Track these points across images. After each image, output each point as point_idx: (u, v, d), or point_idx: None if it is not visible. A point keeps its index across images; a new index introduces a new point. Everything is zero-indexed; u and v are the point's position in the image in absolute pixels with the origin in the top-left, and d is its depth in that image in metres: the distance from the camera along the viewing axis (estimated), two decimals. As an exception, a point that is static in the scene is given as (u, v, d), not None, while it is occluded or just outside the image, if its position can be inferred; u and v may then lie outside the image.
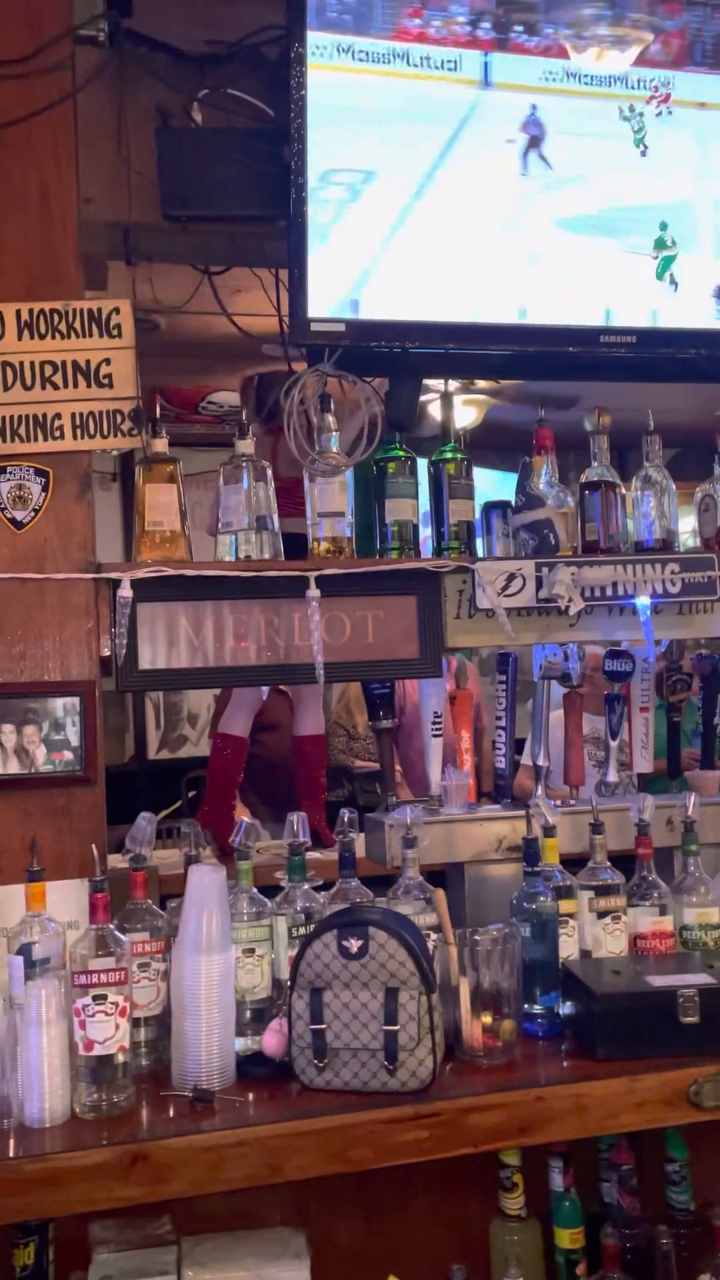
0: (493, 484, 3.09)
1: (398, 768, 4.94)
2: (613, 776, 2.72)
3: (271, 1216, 2.05)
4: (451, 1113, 1.80)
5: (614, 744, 2.71)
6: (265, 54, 2.30)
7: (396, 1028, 1.81)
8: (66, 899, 2.07)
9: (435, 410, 5.14)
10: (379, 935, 1.85)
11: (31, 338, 2.16)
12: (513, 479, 2.57)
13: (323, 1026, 1.83)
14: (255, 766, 3.79)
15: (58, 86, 2.17)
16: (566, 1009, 2.07)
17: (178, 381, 5.83)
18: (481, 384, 5.64)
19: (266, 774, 3.91)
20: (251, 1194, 1.92)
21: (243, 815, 3.67)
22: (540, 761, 2.66)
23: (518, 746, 2.68)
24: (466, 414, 5.78)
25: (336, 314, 2.30)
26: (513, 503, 2.53)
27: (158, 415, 2.25)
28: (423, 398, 2.61)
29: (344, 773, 5.66)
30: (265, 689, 3.47)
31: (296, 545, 2.37)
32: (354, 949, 1.85)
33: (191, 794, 6.41)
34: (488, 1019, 1.95)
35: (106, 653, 2.21)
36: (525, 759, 3.32)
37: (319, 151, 2.22)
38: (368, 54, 2.26)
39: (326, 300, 2.29)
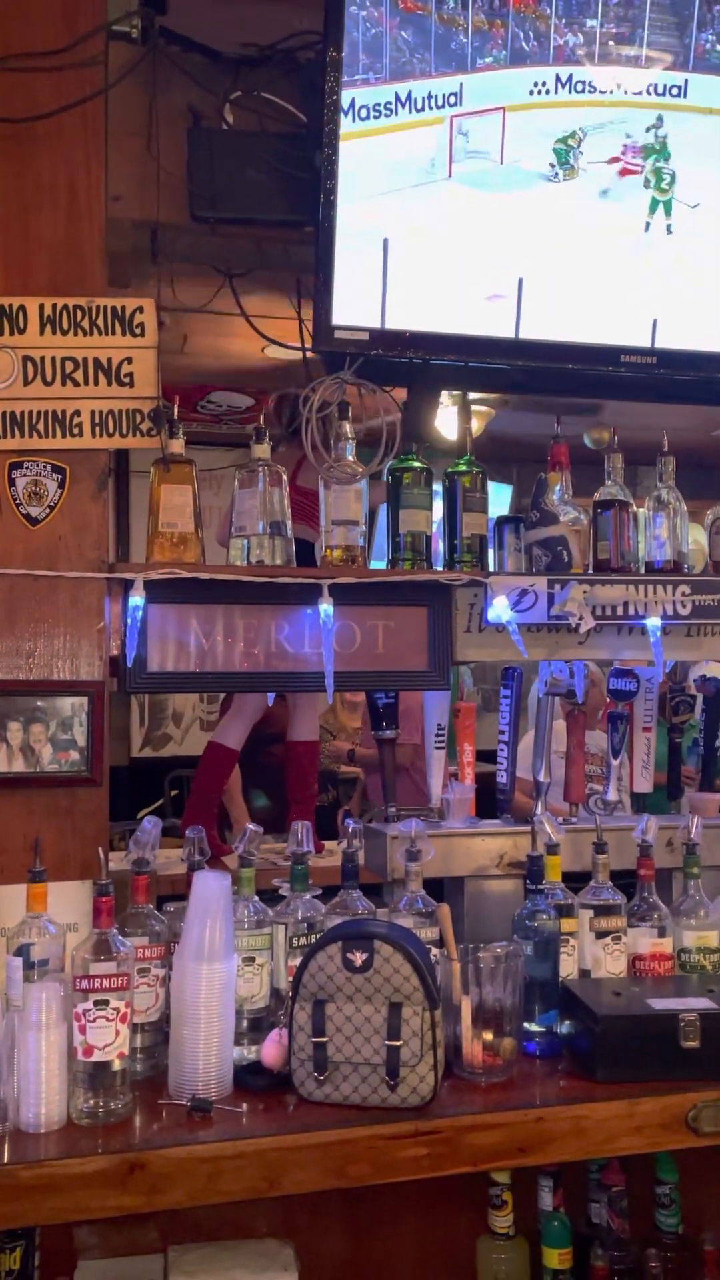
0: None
1: (359, 770, 4.95)
2: (612, 795, 2.73)
3: (258, 1227, 2.04)
4: (451, 1131, 1.79)
5: (615, 762, 2.72)
6: (299, 58, 2.29)
7: (399, 1043, 1.80)
8: (67, 900, 2.05)
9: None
10: (384, 949, 1.84)
11: (54, 333, 2.14)
12: (506, 491, 2.58)
13: (324, 1039, 1.82)
14: (261, 776, 3.76)
15: (90, 81, 2.15)
16: (565, 1028, 2.07)
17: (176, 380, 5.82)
18: (481, 395, 5.66)
19: (272, 783, 3.88)
20: (239, 1204, 1.90)
21: (245, 822, 3.66)
22: (541, 777, 2.65)
23: (490, 758, 2.67)
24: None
25: (359, 322, 2.30)
26: (523, 516, 2.53)
27: (176, 416, 2.22)
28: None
29: (329, 777, 5.66)
30: (271, 699, 3.43)
31: (309, 554, 2.37)
32: (358, 962, 1.84)
33: (174, 793, 6.39)
34: (488, 1036, 1.94)
35: (115, 653, 2.19)
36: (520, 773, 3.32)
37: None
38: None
39: (350, 308, 2.28)
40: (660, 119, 2.47)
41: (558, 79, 2.38)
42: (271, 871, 2.91)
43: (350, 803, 5.00)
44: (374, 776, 4.47)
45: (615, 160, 2.45)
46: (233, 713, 3.50)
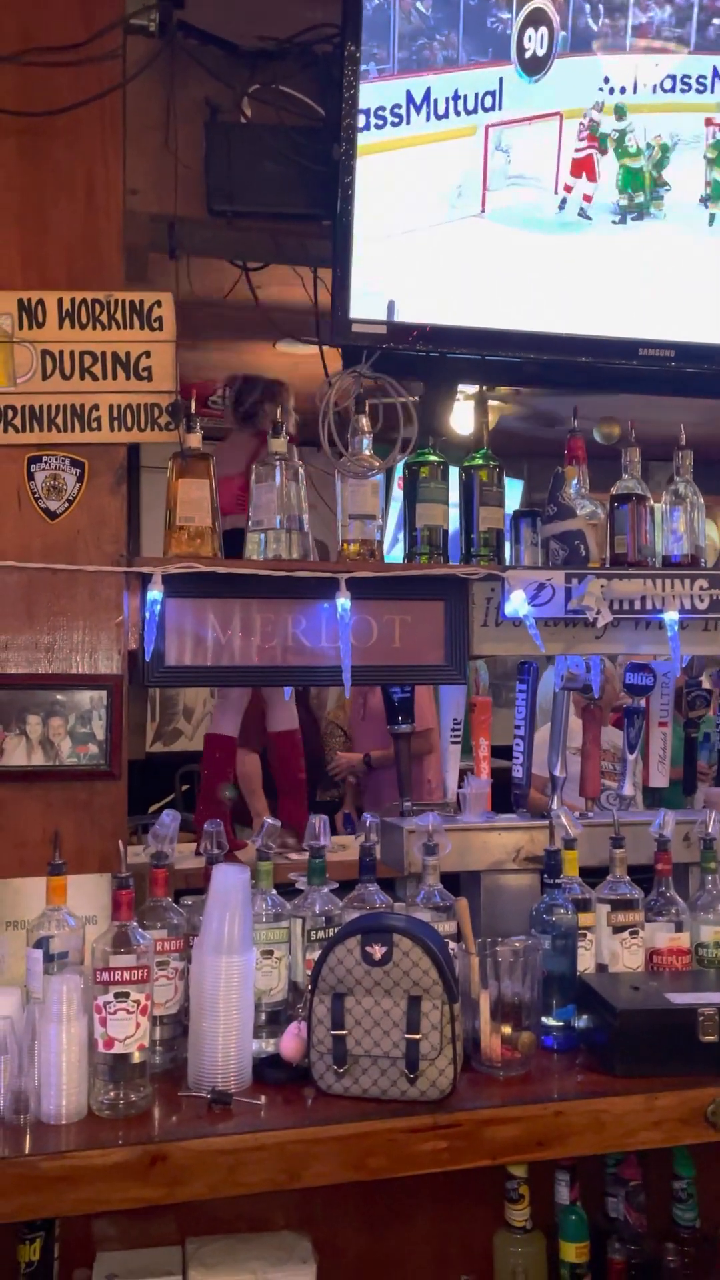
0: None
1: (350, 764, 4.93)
2: (628, 790, 2.72)
3: (276, 1220, 2.05)
4: (471, 1124, 1.79)
5: (631, 757, 2.71)
6: (316, 52, 2.29)
7: (419, 1036, 1.80)
8: (86, 893, 2.06)
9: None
10: (403, 943, 1.84)
11: (73, 327, 2.14)
12: (517, 486, 2.55)
13: (344, 1032, 1.82)
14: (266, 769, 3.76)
15: (108, 75, 2.15)
16: (582, 1023, 2.07)
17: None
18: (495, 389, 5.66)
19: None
20: (257, 1197, 1.90)
21: (265, 816, 3.66)
22: (557, 772, 2.65)
23: (505, 754, 2.67)
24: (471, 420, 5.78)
25: (376, 315, 2.29)
26: (539, 511, 2.53)
27: (193, 410, 2.22)
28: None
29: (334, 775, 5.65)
30: (289, 693, 3.45)
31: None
32: (378, 955, 1.84)
33: (185, 788, 6.40)
34: (507, 1030, 1.94)
35: (133, 647, 2.19)
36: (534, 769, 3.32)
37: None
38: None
39: (367, 301, 2.27)
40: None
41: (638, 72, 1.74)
42: (285, 866, 2.91)
43: (345, 804, 4.97)
44: (371, 775, 4.48)
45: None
46: (220, 704, 3.54)
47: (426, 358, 2.39)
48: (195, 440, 2.23)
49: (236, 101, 2.27)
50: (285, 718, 3.69)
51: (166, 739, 7.53)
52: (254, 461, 2.78)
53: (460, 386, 3.27)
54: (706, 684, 2.76)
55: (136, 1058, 1.79)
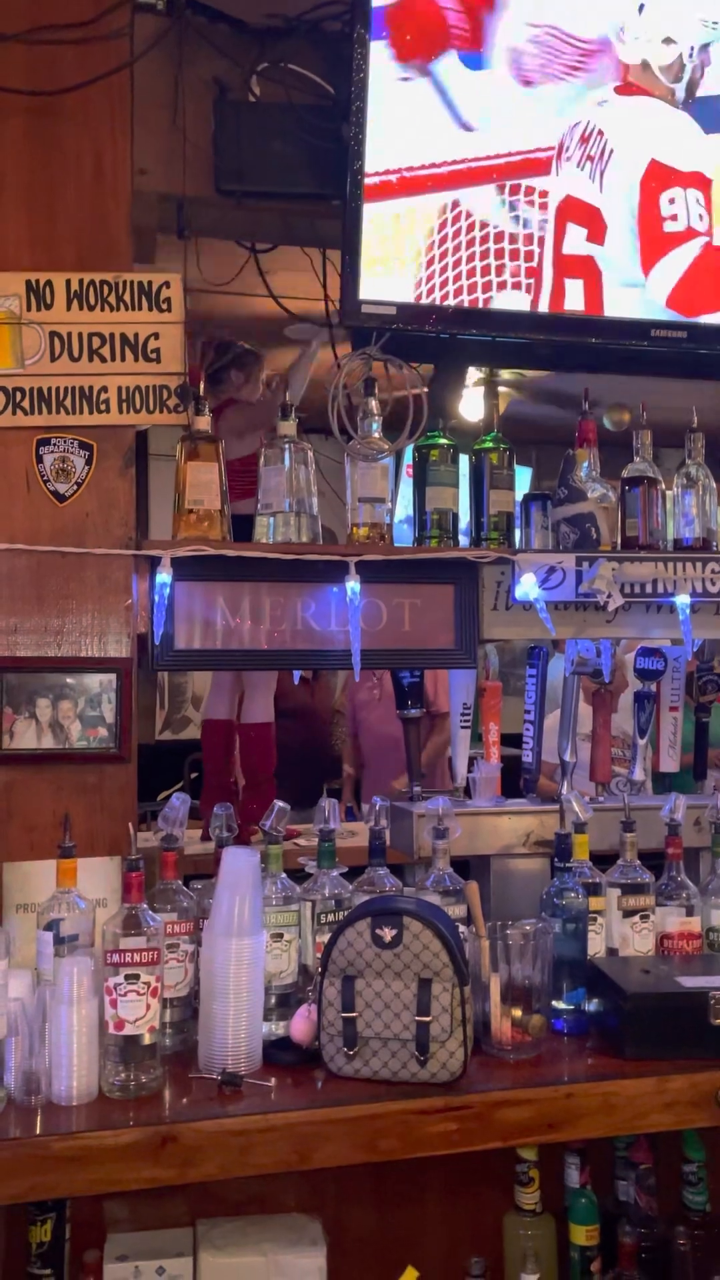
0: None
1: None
2: (638, 775, 2.71)
3: (286, 1202, 2.05)
4: (481, 1106, 1.79)
5: (641, 742, 2.70)
6: (325, 29, 2.27)
7: (429, 1019, 1.80)
8: (96, 876, 2.06)
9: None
10: (413, 925, 1.84)
11: (81, 309, 2.13)
12: (526, 473, 2.52)
13: (354, 1015, 1.82)
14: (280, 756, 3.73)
15: (116, 54, 2.13)
16: (593, 1006, 2.06)
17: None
18: (503, 375, 5.64)
19: (290, 762, 3.85)
20: (267, 1179, 1.92)
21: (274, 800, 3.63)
22: (567, 757, 2.64)
23: (514, 742, 2.67)
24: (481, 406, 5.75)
25: (387, 296, 2.27)
26: (550, 494, 2.52)
27: (202, 393, 2.21)
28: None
29: (336, 765, 5.64)
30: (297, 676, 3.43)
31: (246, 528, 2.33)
32: (388, 938, 1.84)
33: (194, 775, 6.41)
34: (517, 1013, 1.94)
35: (142, 630, 2.19)
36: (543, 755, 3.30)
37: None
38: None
39: (377, 282, 2.26)
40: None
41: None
42: (294, 852, 2.90)
43: (345, 795, 4.95)
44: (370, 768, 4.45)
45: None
46: (212, 689, 3.53)
47: (436, 340, 2.38)
48: (204, 423, 2.22)
49: (245, 80, 2.25)
50: (261, 711, 3.64)
51: (175, 727, 7.54)
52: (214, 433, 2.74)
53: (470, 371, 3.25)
54: (718, 668, 2.74)
55: (147, 1039, 1.79)
